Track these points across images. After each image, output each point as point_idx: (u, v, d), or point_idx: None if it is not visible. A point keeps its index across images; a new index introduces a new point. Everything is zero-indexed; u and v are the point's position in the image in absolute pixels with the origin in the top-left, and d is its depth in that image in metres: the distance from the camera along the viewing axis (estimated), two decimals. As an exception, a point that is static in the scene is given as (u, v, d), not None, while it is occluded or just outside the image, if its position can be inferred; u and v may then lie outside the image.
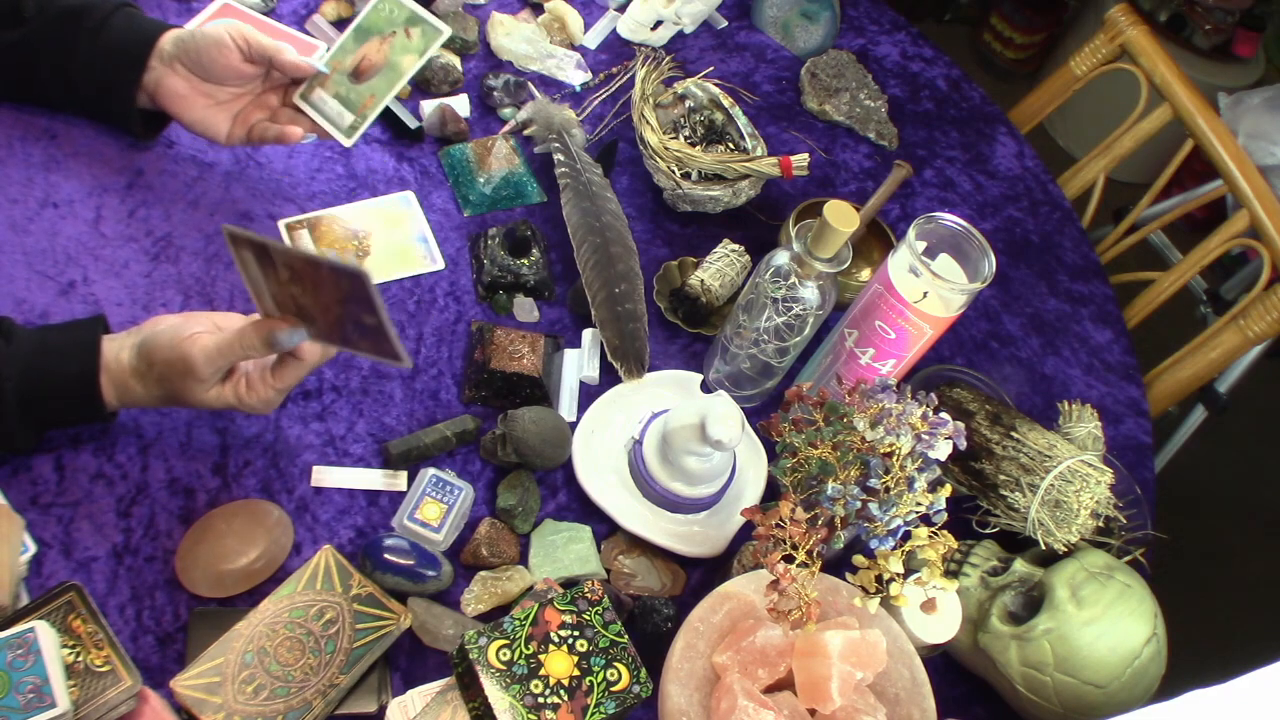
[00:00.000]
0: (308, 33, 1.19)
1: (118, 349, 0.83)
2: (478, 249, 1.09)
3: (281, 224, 1.06)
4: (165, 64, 0.96)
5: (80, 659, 0.73)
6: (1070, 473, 0.94)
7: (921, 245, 0.91)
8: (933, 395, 0.84)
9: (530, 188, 1.16)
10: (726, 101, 1.22)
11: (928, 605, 0.87)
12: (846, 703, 0.79)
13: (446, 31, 1.00)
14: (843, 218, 0.88)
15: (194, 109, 0.98)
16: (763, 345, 0.99)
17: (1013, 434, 0.99)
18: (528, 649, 0.79)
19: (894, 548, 0.82)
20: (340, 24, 1.22)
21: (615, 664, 0.81)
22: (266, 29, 1.15)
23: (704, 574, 0.98)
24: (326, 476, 0.93)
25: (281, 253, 0.74)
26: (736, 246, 1.13)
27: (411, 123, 1.15)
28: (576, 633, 0.81)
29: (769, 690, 0.81)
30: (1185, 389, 1.33)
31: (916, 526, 0.83)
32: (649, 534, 0.95)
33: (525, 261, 1.08)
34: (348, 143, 0.99)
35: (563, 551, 0.93)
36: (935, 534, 0.83)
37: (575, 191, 1.11)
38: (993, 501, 0.98)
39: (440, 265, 1.08)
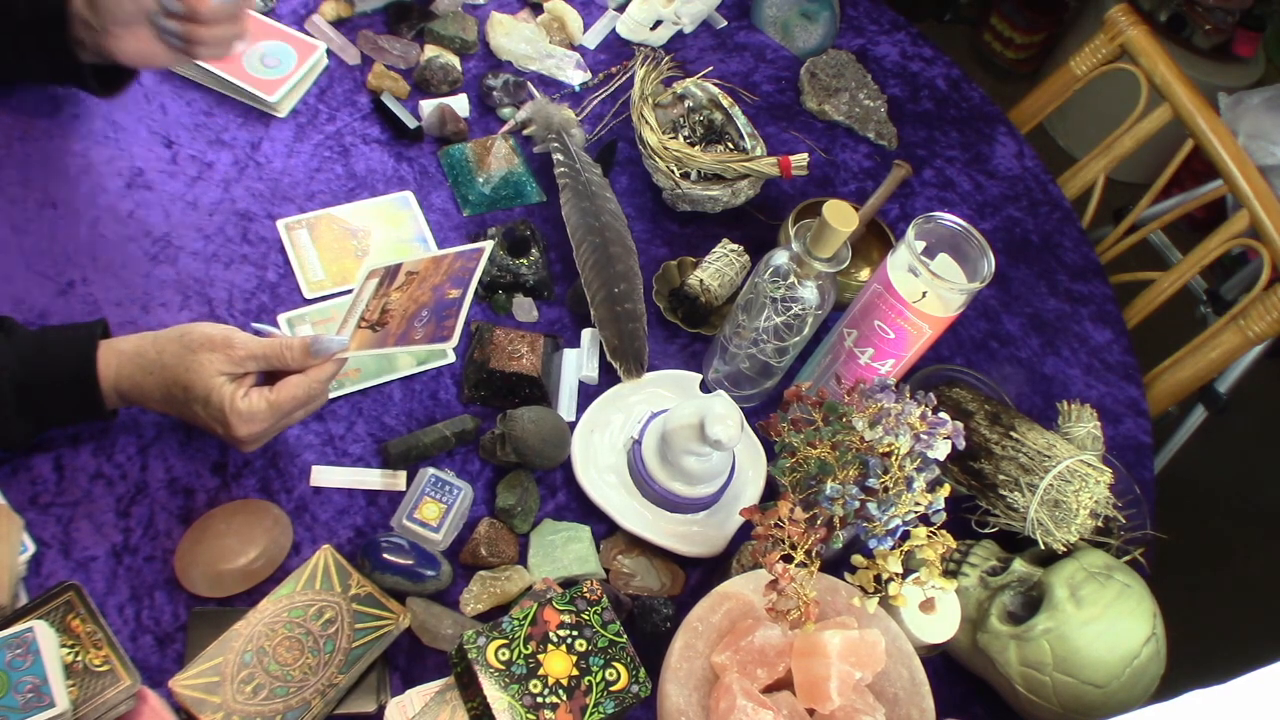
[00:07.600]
0: (307, 33, 1.18)
1: (118, 353, 0.83)
2: (477, 249, 1.09)
3: (280, 224, 1.06)
4: (83, 18, 0.90)
5: (79, 659, 0.73)
6: (1069, 472, 0.94)
7: (921, 245, 0.91)
8: (932, 395, 0.84)
9: (529, 188, 1.16)
10: (726, 101, 1.22)
11: (927, 605, 0.87)
12: (845, 702, 0.79)
13: (451, 357, 1.02)
14: (842, 218, 0.88)
15: (128, 47, 0.92)
16: (762, 345, 0.99)
17: (1012, 434, 0.99)
18: (526, 649, 0.79)
19: (893, 547, 0.82)
20: (339, 24, 1.22)
21: (614, 664, 0.81)
22: (265, 29, 1.15)
23: (703, 574, 0.98)
24: (326, 476, 0.93)
25: (411, 263, 0.91)
26: (736, 246, 1.13)
27: (411, 122, 1.15)
28: (575, 632, 0.81)
29: (768, 690, 0.81)
30: (1185, 389, 1.33)
31: (915, 526, 0.83)
32: (648, 534, 0.95)
33: (524, 261, 1.08)
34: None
35: (562, 551, 0.93)
36: (934, 534, 0.83)
37: (574, 191, 1.11)
38: (992, 501, 0.98)
39: (439, 265, 1.08)
